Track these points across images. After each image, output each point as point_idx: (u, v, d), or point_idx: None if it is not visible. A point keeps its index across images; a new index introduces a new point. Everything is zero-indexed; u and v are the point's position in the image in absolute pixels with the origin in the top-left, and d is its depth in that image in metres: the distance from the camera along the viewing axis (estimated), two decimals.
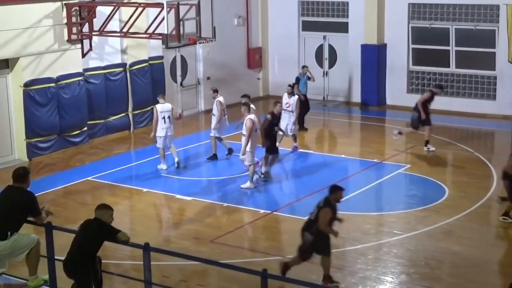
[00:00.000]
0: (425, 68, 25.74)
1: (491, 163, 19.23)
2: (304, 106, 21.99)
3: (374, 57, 25.86)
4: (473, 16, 24.63)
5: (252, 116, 17.14)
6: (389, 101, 26.26)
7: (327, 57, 27.45)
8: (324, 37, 27.33)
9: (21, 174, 10.41)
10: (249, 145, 16.99)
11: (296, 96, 20.23)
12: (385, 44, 26.04)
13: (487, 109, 24.59)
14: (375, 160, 19.52)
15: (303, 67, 23.45)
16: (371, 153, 20.26)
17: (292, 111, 19.96)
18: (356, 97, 26.66)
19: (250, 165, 17.22)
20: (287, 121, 19.91)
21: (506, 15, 23.59)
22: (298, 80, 22.75)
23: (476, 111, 24.65)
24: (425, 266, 13.03)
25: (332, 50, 27.36)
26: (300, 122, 21.72)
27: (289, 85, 20.51)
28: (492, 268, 13.15)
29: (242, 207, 16.18)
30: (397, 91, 26.04)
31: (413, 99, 24.81)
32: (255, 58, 27.84)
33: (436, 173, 18.45)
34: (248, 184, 17.33)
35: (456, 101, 25.05)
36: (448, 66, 25.33)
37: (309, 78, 22.97)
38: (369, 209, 16.16)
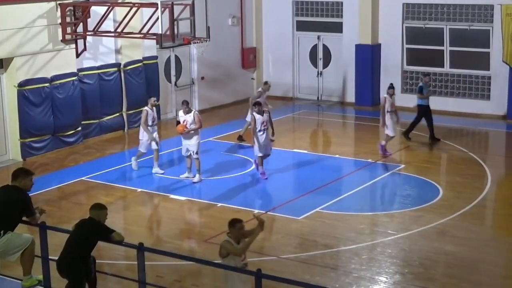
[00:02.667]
0: (420, 68, 25.76)
1: (486, 163, 19.26)
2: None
3: (368, 57, 25.88)
4: (467, 16, 24.67)
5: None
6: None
7: (321, 57, 27.46)
8: (319, 37, 27.35)
9: (15, 173, 10.43)
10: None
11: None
12: (380, 44, 26.07)
13: (482, 109, 24.63)
14: (369, 160, 19.53)
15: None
16: (365, 153, 20.28)
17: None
18: (350, 97, 26.67)
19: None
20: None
21: (500, 15, 23.63)
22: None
23: (471, 111, 24.68)
24: (419, 266, 13.04)
25: (326, 50, 27.37)
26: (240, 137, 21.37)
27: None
28: (486, 268, 13.17)
29: (236, 207, 16.16)
30: None
31: (408, 99, 24.92)
32: (249, 58, 27.84)
33: (430, 173, 18.48)
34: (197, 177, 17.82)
35: (451, 101, 25.09)
36: (443, 66, 25.36)
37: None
38: (363, 209, 16.17)
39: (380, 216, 15.79)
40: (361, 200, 16.82)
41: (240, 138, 21.32)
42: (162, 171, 18.61)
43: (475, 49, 24.80)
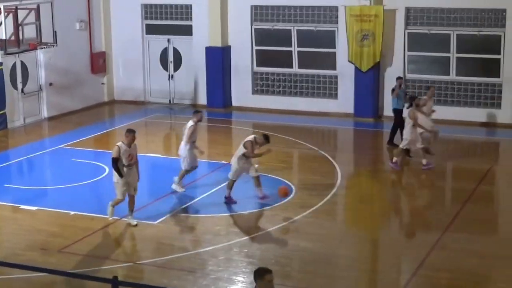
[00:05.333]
0: (269, 69, 26.17)
1: (335, 160, 19.79)
2: None
3: (218, 59, 26.03)
4: (313, 17, 25.27)
5: None
6: (234, 102, 26.51)
7: (172, 60, 27.38)
8: (169, 40, 27.26)
9: None
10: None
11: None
12: (229, 46, 26.27)
13: (330, 108, 25.29)
14: (223, 162, 19.62)
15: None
16: (218, 155, 20.37)
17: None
18: (203, 99, 26.74)
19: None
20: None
21: (344, 16, 24.35)
22: None
23: (320, 109, 25.28)
24: (275, 264, 13.20)
25: (177, 53, 27.31)
26: None
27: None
28: (339, 262, 13.52)
29: (90, 214, 15.83)
30: (243, 93, 26.33)
31: (258, 100, 25.34)
32: (98, 62, 27.37)
33: (283, 172, 18.77)
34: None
35: (300, 101, 25.61)
36: (291, 67, 25.85)
37: None
38: (219, 210, 16.21)
39: (236, 216, 15.90)
40: (216, 202, 16.83)
41: None
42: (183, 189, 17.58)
43: (322, 49, 25.44)
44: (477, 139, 22.38)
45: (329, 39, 25.21)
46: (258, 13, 25.95)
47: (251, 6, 25.87)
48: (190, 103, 27.15)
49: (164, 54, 27.49)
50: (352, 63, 24.52)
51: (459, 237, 14.59)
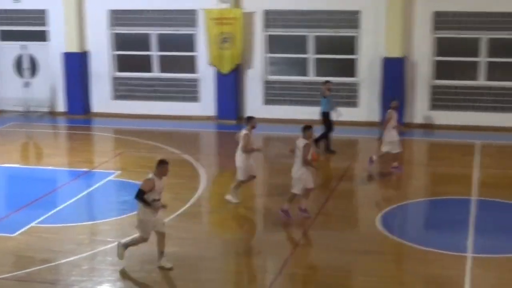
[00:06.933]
0: (130, 74, 25.85)
1: (198, 163, 19.76)
2: None
3: (77, 65, 25.49)
4: (173, 21, 25.15)
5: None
6: (95, 108, 26.02)
7: (27, 67, 26.55)
8: (23, 47, 26.41)
9: None
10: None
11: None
12: (88, 52, 25.77)
13: (192, 111, 25.23)
14: (84, 169, 19.22)
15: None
16: (80, 162, 19.93)
17: None
18: (61, 106, 26.11)
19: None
20: None
21: (204, 20, 24.38)
22: None
23: (182, 113, 25.17)
24: (140, 270, 13.02)
25: (32, 59, 26.52)
26: None
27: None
28: (206, 265, 13.46)
29: None
30: (103, 99, 25.90)
31: (119, 106, 25.01)
32: None
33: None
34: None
35: (160, 105, 25.42)
36: (152, 71, 25.63)
37: None
38: (81, 219, 15.83)
39: (99, 224, 15.58)
40: (78, 211, 16.47)
41: None
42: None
43: (182, 53, 25.37)
44: (337, 138, 22.82)
45: (189, 42, 25.17)
46: (116, 17, 25.58)
47: (108, 11, 25.47)
48: (48, 110, 26.40)
49: (18, 61, 26.62)
50: (213, 66, 24.58)
51: (321, 234, 14.87)
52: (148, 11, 25.25)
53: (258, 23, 24.48)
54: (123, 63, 25.98)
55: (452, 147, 18.63)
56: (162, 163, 13.11)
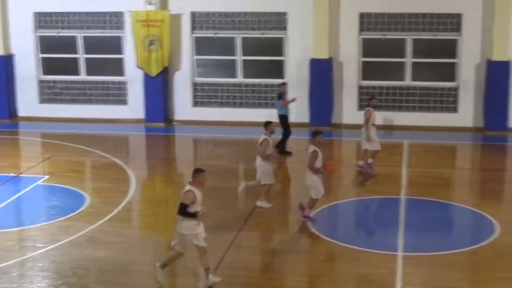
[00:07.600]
0: (56, 77, 25.52)
1: (128, 167, 19.64)
2: None
3: (1, 68, 25.02)
4: (99, 23, 24.91)
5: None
6: (21, 112, 25.58)
7: None
8: None
9: None
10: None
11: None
12: (13, 55, 25.33)
13: (120, 114, 25.01)
14: (11, 174, 18.90)
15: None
16: (6, 167, 19.58)
17: None
18: None
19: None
20: None
21: (130, 22, 24.23)
22: None
23: (110, 117, 24.93)
24: (72, 276, 12.89)
25: None
26: None
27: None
28: (137, 269, 13.39)
29: None
30: (29, 102, 25.49)
31: (46, 110, 24.67)
32: None
33: (76, 182, 18.35)
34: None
35: (89, 108, 25.19)
36: (79, 74, 25.34)
37: None
38: (9, 225, 15.56)
39: (28, 230, 15.36)
40: (6, 216, 16.20)
41: None
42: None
43: (109, 55, 25.14)
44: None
45: (117, 45, 24.98)
46: (42, 20, 25.21)
47: (34, 13, 25.09)
48: None
49: None
50: (140, 68, 24.45)
51: (253, 235, 14.95)
52: (75, 13, 24.95)
53: (186, 25, 24.46)
54: (49, 66, 25.63)
55: (380, 146, 18.98)
56: (199, 171, 12.27)
